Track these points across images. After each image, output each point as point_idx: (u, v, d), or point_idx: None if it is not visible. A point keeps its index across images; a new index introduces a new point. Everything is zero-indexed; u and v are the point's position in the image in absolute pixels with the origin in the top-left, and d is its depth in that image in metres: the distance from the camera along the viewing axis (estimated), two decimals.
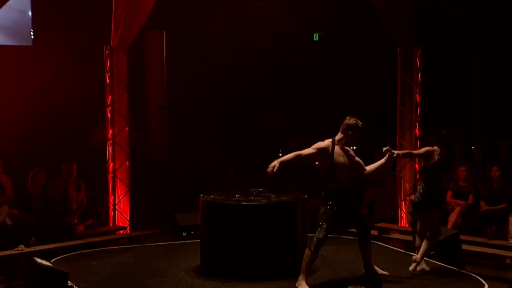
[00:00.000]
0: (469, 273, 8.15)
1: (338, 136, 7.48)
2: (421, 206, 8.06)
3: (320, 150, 7.40)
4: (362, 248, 7.76)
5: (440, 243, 8.71)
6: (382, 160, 7.76)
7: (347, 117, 7.51)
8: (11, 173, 10.59)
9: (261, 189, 8.74)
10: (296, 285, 7.37)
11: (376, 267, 7.92)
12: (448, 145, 8.21)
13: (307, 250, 7.36)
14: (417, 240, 8.25)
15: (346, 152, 7.48)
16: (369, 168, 7.74)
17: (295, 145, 13.15)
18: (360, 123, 7.48)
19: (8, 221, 9.35)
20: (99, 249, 9.62)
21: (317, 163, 7.55)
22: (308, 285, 7.34)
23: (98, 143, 12.48)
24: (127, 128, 10.96)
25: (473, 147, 12.65)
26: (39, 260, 7.61)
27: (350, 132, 7.44)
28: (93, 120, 12.72)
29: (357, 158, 7.66)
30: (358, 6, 12.71)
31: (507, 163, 11.20)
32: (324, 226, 7.29)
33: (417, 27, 10.59)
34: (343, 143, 7.47)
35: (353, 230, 9.73)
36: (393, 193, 11.17)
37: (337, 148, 7.40)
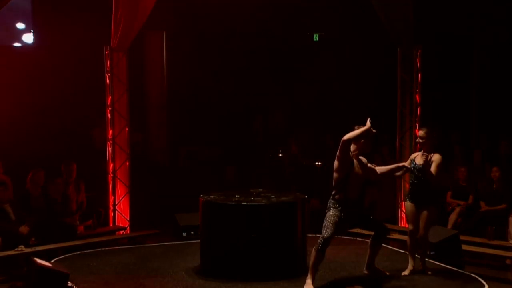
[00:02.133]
0: (469, 274, 8.15)
1: (352, 147, 7.49)
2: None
3: (350, 154, 7.42)
4: (373, 247, 7.82)
5: (440, 244, 8.73)
6: (392, 166, 7.90)
7: (355, 127, 7.51)
8: (11, 173, 10.58)
9: (261, 190, 8.75)
10: (304, 285, 7.37)
11: (377, 267, 7.94)
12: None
13: (313, 251, 7.38)
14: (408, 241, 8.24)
15: (360, 163, 7.52)
16: (379, 170, 7.83)
17: (295, 145, 13.21)
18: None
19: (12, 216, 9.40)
20: (99, 249, 9.63)
21: (334, 173, 7.50)
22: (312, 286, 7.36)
23: (100, 143, 12.49)
24: (127, 129, 10.96)
25: (473, 148, 12.65)
26: (39, 260, 7.62)
27: (362, 140, 7.46)
28: (93, 120, 12.72)
29: (369, 165, 7.72)
30: (358, 6, 12.71)
31: (507, 163, 11.20)
32: (330, 226, 7.31)
33: (417, 28, 10.59)
34: (357, 153, 7.51)
35: (353, 230, 9.78)
36: (393, 194, 11.16)
37: (354, 159, 7.45)
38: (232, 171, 12.46)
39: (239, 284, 7.67)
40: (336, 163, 7.43)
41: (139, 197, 11.24)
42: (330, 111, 14.19)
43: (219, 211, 8.04)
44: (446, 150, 12.37)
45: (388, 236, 10.19)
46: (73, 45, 12.76)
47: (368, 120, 7.40)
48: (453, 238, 8.95)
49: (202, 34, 14.24)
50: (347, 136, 7.30)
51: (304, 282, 7.38)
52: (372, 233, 7.90)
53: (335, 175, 7.45)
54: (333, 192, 7.46)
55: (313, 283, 7.36)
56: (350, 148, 7.41)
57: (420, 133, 8.09)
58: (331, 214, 7.39)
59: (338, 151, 7.36)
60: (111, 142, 10.88)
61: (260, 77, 14.42)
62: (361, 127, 7.40)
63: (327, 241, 7.31)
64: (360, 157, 7.59)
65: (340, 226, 7.43)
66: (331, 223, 7.33)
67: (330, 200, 7.49)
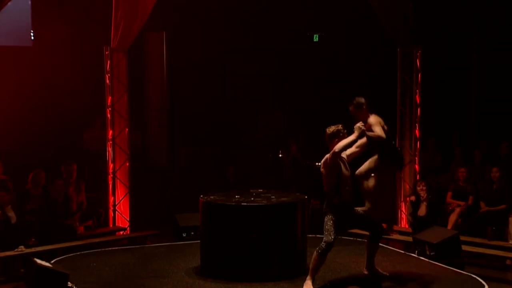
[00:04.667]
0: (469, 274, 8.15)
1: (331, 149, 7.46)
2: None
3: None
4: (370, 247, 7.84)
5: (440, 244, 8.74)
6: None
7: (326, 129, 7.54)
8: (11, 174, 10.58)
9: (261, 190, 8.75)
10: (304, 285, 7.38)
11: (376, 268, 7.94)
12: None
13: (314, 253, 7.38)
14: None
15: (343, 163, 7.51)
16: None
17: (295, 146, 13.20)
18: (340, 126, 7.49)
19: (12, 221, 9.39)
20: (99, 250, 9.63)
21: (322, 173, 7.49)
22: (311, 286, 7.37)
23: (90, 144, 12.49)
24: (127, 129, 10.95)
25: (473, 148, 12.65)
26: (38, 261, 7.62)
27: (336, 139, 7.45)
28: (92, 121, 12.71)
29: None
30: (358, 6, 12.71)
31: (507, 164, 11.20)
32: (332, 230, 7.32)
33: (417, 28, 10.60)
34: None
35: (353, 231, 9.78)
36: (393, 194, 11.15)
37: (340, 162, 7.45)
38: (232, 171, 12.46)
39: (239, 285, 7.67)
40: (323, 170, 7.45)
41: (139, 197, 11.23)
42: (330, 111, 14.16)
43: (219, 212, 8.04)
44: (447, 150, 12.43)
45: (386, 236, 10.25)
46: (73, 46, 12.76)
47: (359, 125, 7.39)
48: (453, 238, 8.95)
49: (202, 35, 14.25)
50: (338, 148, 7.30)
51: (303, 283, 7.39)
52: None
53: (326, 181, 7.45)
54: (328, 197, 7.46)
55: (312, 284, 7.36)
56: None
57: (350, 108, 7.84)
58: (330, 218, 7.37)
59: (328, 160, 7.37)
60: (111, 142, 10.88)
61: (261, 77, 14.43)
62: (332, 127, 7.46)
63: (330, 246, 7.32)
64: (342, 157, 7.55)
65: (340, 228, 7.44)
66: (332, 227, 7.33)
67: (325, 204, 7.48)
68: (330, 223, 7.35)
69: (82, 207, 10.52)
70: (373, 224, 7.85)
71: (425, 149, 11.72)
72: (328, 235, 7.31)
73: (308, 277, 7.40)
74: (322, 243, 7.33)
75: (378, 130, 7.55)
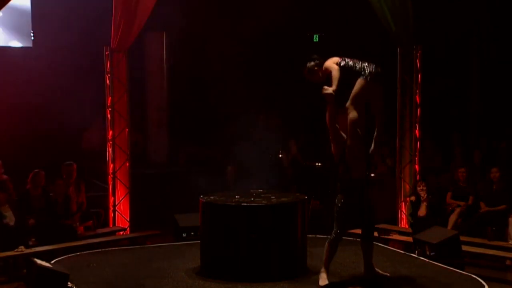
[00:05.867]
0: (469, 274, 8.15)
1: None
2: None
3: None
4: (363, 247, 7.75)
5: (440, 244, 8.74)
6: None
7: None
8: (11, 174, 10.58)
9: (261, 190, 8.75)
10: (319, 278, 7.42)
11: (376, 269, 7.93)
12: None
13: (326, 244, 7.42)
14: None
15: (349, 134, 7.54)
16: None
17: (295, 146, 13.21)
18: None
19: (10, 221, 9.38)
20: (99, 250, 9.63)
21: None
22: (327, 279, 7.42)
23: (90, 144, 12.49)
24: (127, 129, 10.95)
25: (473, 148, 12.66)
26: (38, 261, 7.62)
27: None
28: (92, 121, 12.71)
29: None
30: (358, 6, 12.70)
31: (507, 164, 11.20)
32: (341, 220, 7.34)
33: (417, 28, 10.59)
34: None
35: (353, 231, 9.77)
36: (393, 194, 11.15)
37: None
38: (232, 171, 12.45)
39: (239, 285, 7.67)
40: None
41: (139, 198, 11.23)
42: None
43: (219, 212, 8.04)
44: (447, 151, 12.43)
45: (386, 236, 10.25)
46: (73, 46, 12.75)
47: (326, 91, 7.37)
48: (453, 238, 8.95)
49: (202, 35, 14.24)
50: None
51: (303, 283, 7.39)
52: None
53: (334, 150, 7.48)
54: (339, 175, 7.41)
55: (326, 275, 7.41)
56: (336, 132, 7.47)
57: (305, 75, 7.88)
58: (340, 205, 7.36)
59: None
60: (111, 142, 10.88)
61: (261, 78, 14.42)
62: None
63: (339, 235, 7.37)
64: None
65: (349, 214, 7.40)
66: (342, 215, 7.34)
67: (337, 183, 7.45)
68: (340, 210, 7.32)
69: (82, 207, 10.53)
70: (369, 219, 7.67)
71: (424, 149, 11.72)
72: (337, 225, 7.34)
73: (322, 269, 7.44)
74: (332, 233, 7.38)
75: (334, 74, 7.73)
